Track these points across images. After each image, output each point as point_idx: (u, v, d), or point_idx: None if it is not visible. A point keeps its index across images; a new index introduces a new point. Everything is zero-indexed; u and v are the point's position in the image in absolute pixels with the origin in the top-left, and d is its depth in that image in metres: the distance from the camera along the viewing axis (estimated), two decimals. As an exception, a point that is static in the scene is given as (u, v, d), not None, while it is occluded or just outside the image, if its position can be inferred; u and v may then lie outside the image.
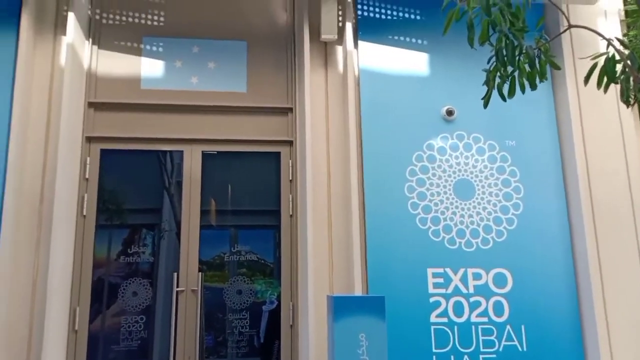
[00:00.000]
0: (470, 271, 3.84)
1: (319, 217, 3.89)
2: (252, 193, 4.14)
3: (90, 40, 4.03)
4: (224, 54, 4.19)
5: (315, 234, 3.79)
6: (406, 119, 4.04)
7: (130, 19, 4.16)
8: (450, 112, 4.08)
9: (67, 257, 3.59)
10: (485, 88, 2.48)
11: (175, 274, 3.72)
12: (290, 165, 4.07)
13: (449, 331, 3.72)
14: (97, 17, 4.10)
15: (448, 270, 3.83)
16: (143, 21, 4.17)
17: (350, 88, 3.97)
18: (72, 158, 3.69)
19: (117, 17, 4.14)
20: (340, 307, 3.02)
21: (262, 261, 4.00)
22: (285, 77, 4.22)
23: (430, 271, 3.80)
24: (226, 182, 4.10)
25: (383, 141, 3.98)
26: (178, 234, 3.85)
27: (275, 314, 3.86)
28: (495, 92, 2.46)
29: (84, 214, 3.75)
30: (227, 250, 3.96)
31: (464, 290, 3.81)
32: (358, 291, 3.60)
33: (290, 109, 4.15)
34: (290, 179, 4.05)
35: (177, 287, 3.70)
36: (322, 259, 3.84)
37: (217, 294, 3.87)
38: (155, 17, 4.19)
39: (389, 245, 3.79)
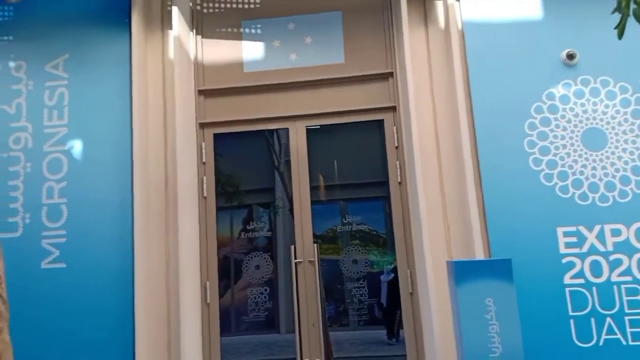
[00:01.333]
0: (607, 227, 3.47)
1: (430, 181, 3.75)
2: (358, 164, 4.11)
3: (194, 30, 4.22)
4: (320, 27, 4.16)
5: (428, 200, 3.65)
6: (520, 69, 3.71)
7: (228, 5, 4.27)
8: (571, 56, 3.68)
9: (194, 236, 3.84)
10: (615, 19, 2.15)
11: (292, 246, 3.82)
12: (395, 131, 3.95)
13: (586, 293, 3.40)
14: (199, 7, 4.27)
15: (581, 228, 3.48)
16: (240, 5, 4.26)
17: (454, 43, 3.73)
18: (188, 144, 3.91)
19: (216, 5, 4.28)
20: (463, 272, 2.88)
21: (374, 232, 3.96)
22: (384, 41, 4.09)
23: (560, 230, 3.49)
24: (332, 155, 4.10)
25: (495, 96, 3.70)
26: (291, 210, 3.93)
27: (393, 283, 3.81)
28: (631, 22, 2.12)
29: (205, 195, 3.98)
30: (339, 222, 3.97)
31: (602, 249, 3.45)
32: (480, 255, 3.41)
33: (391, 74, 4.02)
34: (396, 145, 3.94)
35: (295, 258, 3.79)
36: (437, 225, 3.70)
37: (333, 265, 3.91)
38: (252, 0, 4.26)
39: (511, 205, 3.54)
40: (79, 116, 3.88)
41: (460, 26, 3.85)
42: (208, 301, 3.83)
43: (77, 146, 3.84)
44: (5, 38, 4.01)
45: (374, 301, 3.86)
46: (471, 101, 3.73)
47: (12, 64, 3.97)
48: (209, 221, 3.95)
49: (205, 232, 3.92)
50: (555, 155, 3.58)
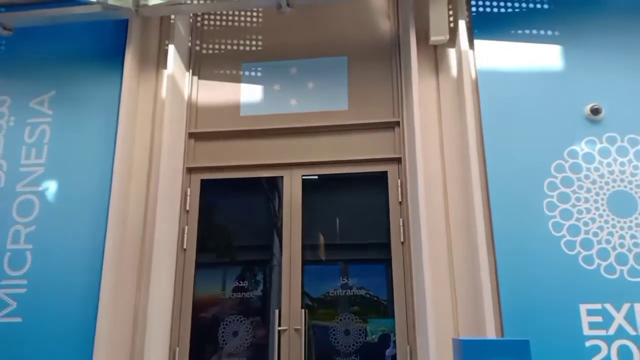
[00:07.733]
0: (638, 307, 3.00)
1: (437, 243, 3.34)
2: (360, 221, 3.70)
3: (191, 71, 4.00)
4: (323, 72, 3.91)
5: (433, 264, 3.25)
6: (540, 124, 3.37)
7: (229, 47, 4.08)
8: (596, 111, 3.33)
9: (168, 293, 3.44)
10: None
11: (277, 311, 3.39)
12: (399, 184, 3.59)
13: (616, 386, 2.89)
14: (197, 47, 4.08)
15: (608, 306, 3.01)
16: (242, 47, 4.06)
17: (467, 93, 3.42)
18: (173, 190, 3.60)
19: (217, 47, 4.09)
20: (472, 352, 2.43)
21: (375, 298, 3.52)
22: (391, 88, 3.81)
23: (583, 308, 3.02)
24: (332, 210, 3.73)
25: (511, 151, 3.34)
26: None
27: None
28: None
29: (184, 247, 3.61)
30: (336, 286, 3.54)
31: (632, 332, 2.96)
32: (490, 334, 2.95)
33: (397, 123, 3.71)
34: (400, 200, 3.56)
35: (279, 325, 3.35)
36: (443, 294, 3.26)
37: (324, 333, 3.45)
38: (254, 42, 4.06)
39: (527, 276, 3.10)
40: (58, 156, 3.62)
41: (474, 75, 3.56)
42: (177, 371, 3.39)
43: (51, 188, 3.55)
44: (-8, 72, 3.84)
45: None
46: (484, 156, 3.38)
47: (-5, 99, 3.77)
48: (186, 277, 3.55)
49: (181, 290, 3.52)
50: (578, 220, 3.17)
